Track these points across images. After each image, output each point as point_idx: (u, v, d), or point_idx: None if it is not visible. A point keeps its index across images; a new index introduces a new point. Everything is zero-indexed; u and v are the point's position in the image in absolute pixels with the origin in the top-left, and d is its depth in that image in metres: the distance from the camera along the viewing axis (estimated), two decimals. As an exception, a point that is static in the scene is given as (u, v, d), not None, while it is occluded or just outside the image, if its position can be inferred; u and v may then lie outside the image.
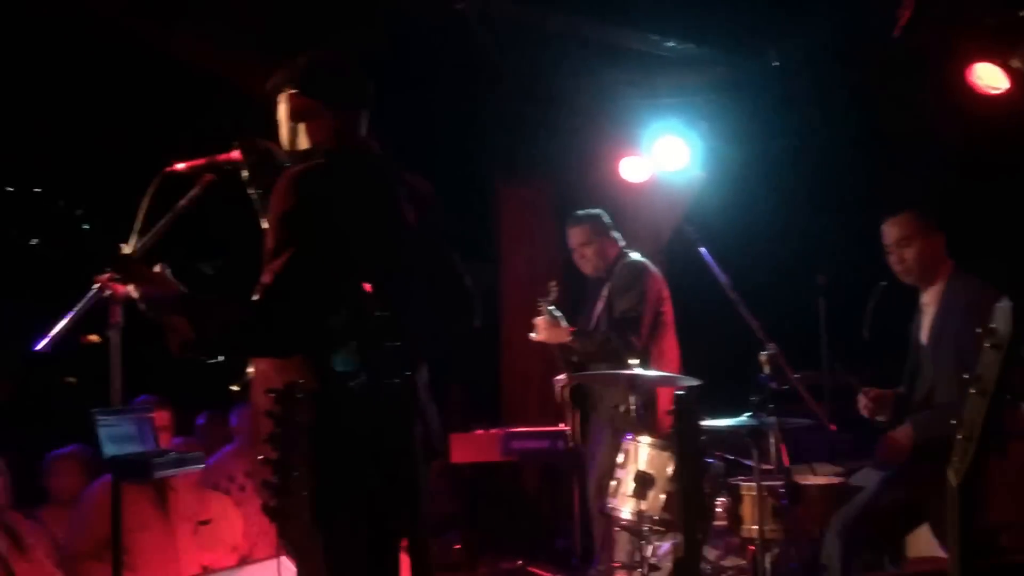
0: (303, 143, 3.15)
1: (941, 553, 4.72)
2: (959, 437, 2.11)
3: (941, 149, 6.28)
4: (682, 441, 2.18)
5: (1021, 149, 5.76)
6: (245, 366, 3.13)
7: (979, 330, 2.15)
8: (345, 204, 2.95)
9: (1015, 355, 1.98)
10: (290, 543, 2.51)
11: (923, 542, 4.99)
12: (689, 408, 2.19)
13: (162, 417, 5.29)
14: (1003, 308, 2.03)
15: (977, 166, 6.09)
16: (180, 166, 3.38)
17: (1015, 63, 5.10)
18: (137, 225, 3.30)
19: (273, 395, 2.46)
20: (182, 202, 3.40)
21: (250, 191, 3.24)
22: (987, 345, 2.05)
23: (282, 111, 3.21)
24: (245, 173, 3.24)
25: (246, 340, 2.91)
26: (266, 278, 2.82)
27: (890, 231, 4.51)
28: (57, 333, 3.31)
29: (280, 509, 2.43)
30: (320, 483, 2.49)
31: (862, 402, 4.55)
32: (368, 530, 2.95)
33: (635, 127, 7.10)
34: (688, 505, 2.20)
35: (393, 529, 2.94)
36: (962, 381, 4.13)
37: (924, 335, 4.52)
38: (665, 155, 6.95)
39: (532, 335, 5.68)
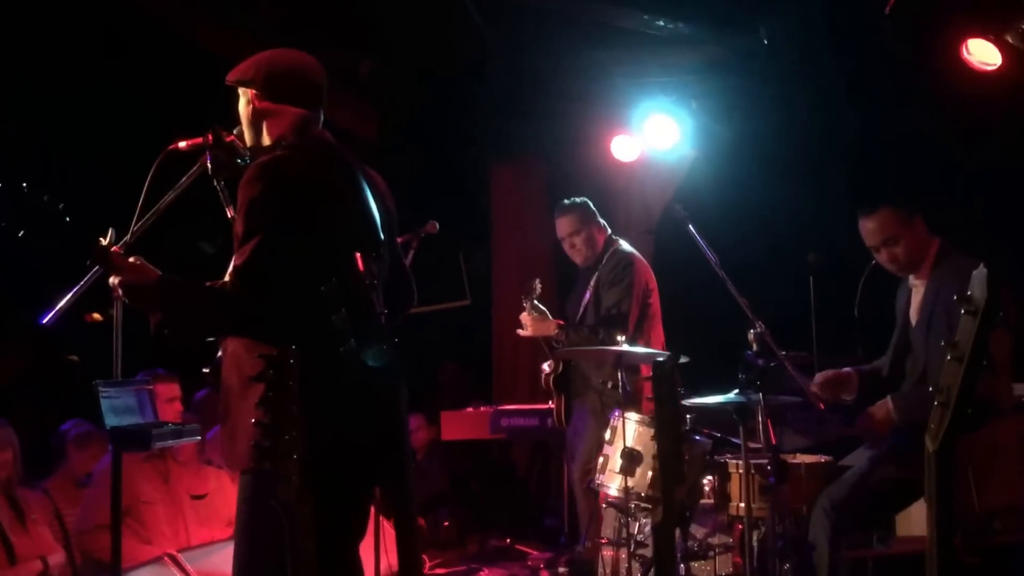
0: (265, 139, 3.22)
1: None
2: (936, 403, 2.02)
3: (933, 127, 6.17)
4: (660, 407, 2.08)
5: (1014, 126, 5.65)
6: (216, 348, 3.17)
7: (956, 297, 2.06)
8: (314, 187, 3.04)
9: (991, 322, 1.90)
10: (281, 506, 2.48)
11: (914, 521, 4.90)
12: (667, 374, 2.08)
13: (171, 390, 5.43)
14: (979, 275, 1.96)
15: (971, 145, 5.97)
16: (182, 144, 3.40)
17: (1010, 38, 4.96)
18: (140, 202, 3.36)
19: (265, 360, 2.48)
20: (184, 179, 3.45)
21: (215, 182, 3.33)
22: (963, 312, 1.96)
23: (243, 106, 3.27)
24: (210, 165, 3.32)
25: (220, 322, 3.00)
26: (237, 261, 2.91)
27: (870, 230, 4.35)
28: (61, 307, 3.43)
29: (271, 472, 2.45)
30: (311, 447, 2.50)
31: (812, 392, 4.44)
32: (356, 493, 3.07)
33: (625, 106, 7.04)
34: (666, 472, 2.09)
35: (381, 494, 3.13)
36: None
37: (914, 314, 4.40)
38: (655, 134, 6.89)
39: (519, 331, 5.64)
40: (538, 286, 5.62)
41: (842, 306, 5.10)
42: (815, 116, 6.53)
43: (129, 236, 3.34)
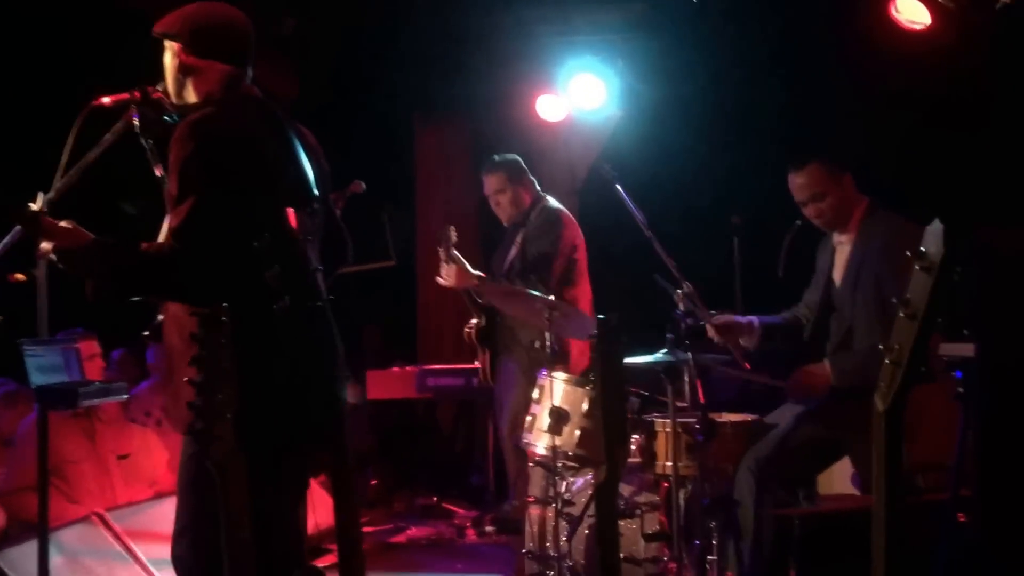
0: (191, 96, 3.13)
1: (853, 491, 4.69)
2: (886, 362, 1.97)
3: (861, 87, 6.15)
4: (604, 364, 2.00)
5: (944, 87, 5.65)
6: (156, 310, 3.11)
7: (908, 253, 1.99)
8: (246, 144, 2.97)
9: (947, 278, 1.84)
10: (214, 466, 2.41)
11: (835, 480, 4.93)
12: (611, 331, 2.00)
13: (90, 347, 5.29)
14: (934, 231, 1.90)
15: (899, 104, 5.97)
16: (106, 100, 3.27)
17: (939, -3, 4.93)
18: (63, 160, 3.24)
19: (198, 318, 2.40)
20: (107, 136, 3.33)
21: (142, 140, 3.23)
22: (917, 268, 1.90)
23: (169, 60, 3.16)
24: (136, 122, 3.21)
25: (157, 283, 2.92)
26: (172, 222, 2.85)
27: (799, 185, 4.33)
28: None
29: (205, 431, 2.39)
30: (244, 405, 2.44)
31: (709, 331, 4.44)
32: (291, 452, 2.98)
33: (551, 66, 6.94)
34: (609, 430, 2.02)
35: (314, 452, 3.05)
36: (883, 323, 4.10)
37: (838, 273, 4.38)
38: (581, 94, 6.79)
39: (439, 280, 5.52)
40: (453, 234, 5.48)
41: (766, 267, 5.08)
42: (741, 77, 6.49)
43: (53, 194, 3.21)
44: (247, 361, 2.45)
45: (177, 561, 2.98)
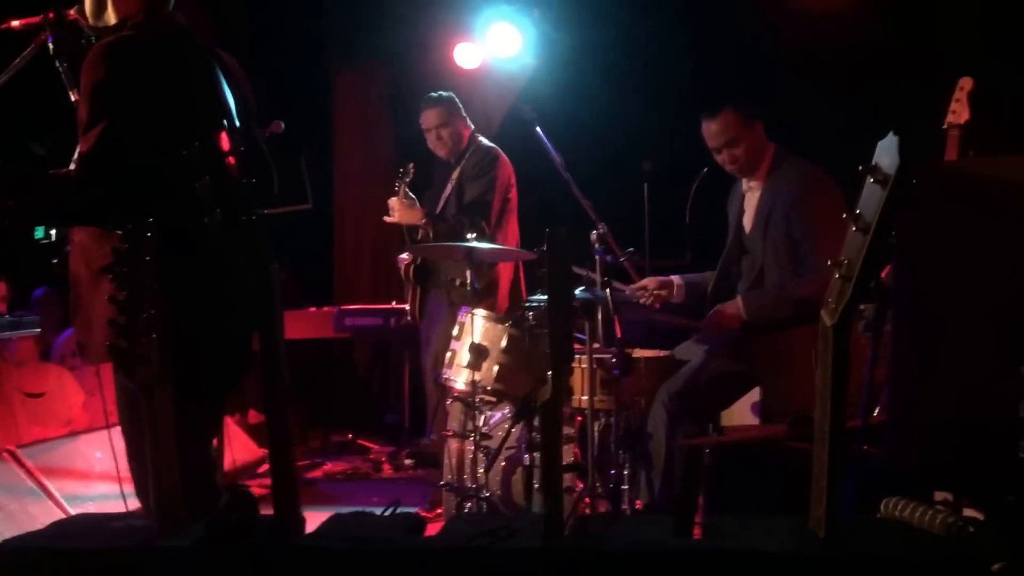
0: (110, 17, 2.95)
1: (754, 421, 4.74)
2: (836, 276, 1.94)
3: (766, 36, 6.17)
4: (553, 281, 1.94)
5: (843, 36, 5.68)
6: (64, 241, 3.00)
7: (860, 168, 1.95)
8: (163, 69, 2.83)
9: (902, 191, 1.81)
10: (139, 388, 2.25)
11: (735, 413, 4.98)
12: (559, 245, 1.94)
13: None
14: (888, 144, 1.87)
15: (802, 53, 5.99)
16: (15, 23, 3.14)
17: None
18: None
19: (121, 232, 2.23)
20: (17, 61, 3.17)
21: (57, 64, 3.09)
22: (871, 181, 1.87)
23: None
24: (51, 46, 3.07)
25: (70, 210, 2.79)
26: (82, 148, 2.72)
27: (713, 132, 4.32)
28: None
29: (127, 351, 2.22)
30: (172, 324, 2.29)
31: (631, 293, 4.45)
32: (220, 376, 2.91)
33: (468, 14, 6.83)
34: (556, 347, 1.96)
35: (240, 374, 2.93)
36: (792, 263, 4.14)
37: (748, 219, 4.40)
38: (498, 42, 6.68)
39: (386, 217, 5.43)
40: (412, 169, 5.41)
41: (673, 212, 5.09)
42: (653, 26, 6.46)
43: None
44: (175, 277, 2.32)
45: (140, 489, 2.86)
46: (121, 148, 2.69)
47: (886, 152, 1.85)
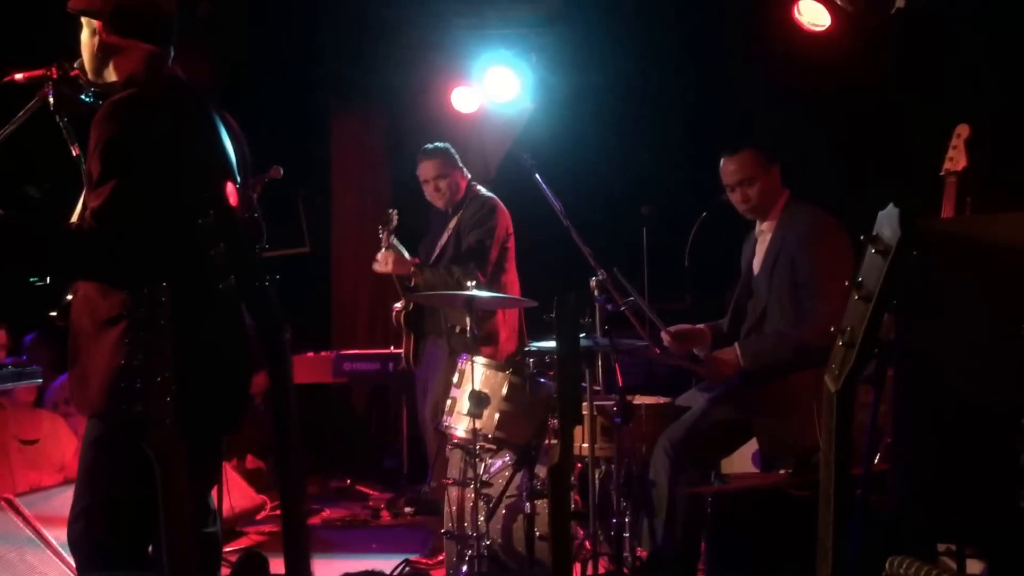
0: (111, 75, 2.98)
1: (754, 469, 4.75)
2: (838, 344, 1.96)
3: (766, 84, 6.23)
4: (561, 344, 1.95)
5: (843, 86, 5.74)
6: (65, 291, 2.96)
7: (862, 237, 1.97)
8: (173, 126, 2.83)
9: (903, 260, 1.83)
10: (152, 450, 2.26)
11: (736, 461, 4.99)
12: (568, 309, 1.96)
13: None
14: (889, 214, 1.89)
15: (803, 103, 6.05)
16: (18, 76, 3.13)
17: (838, 1, 5.02)
18: None
19: (136, 299, 2.25)
20: (20, 114, 3.18)
21: (57, 118, 3.09)
22: (872, 251, 1.89)
23: (87, 37, 3.00)
24: (52, 99, 3.07)
25: (75, 263, 2.77)
26: (93, 203, 2.70)
27: (731, 171, 4.35)
28: None
29: (143, 414, 2.23)
30: (185, 388, 2.29)
31: (665, 339, 4.44)
32: (223, 434, 2.93)
33: (466, 58, 6.89)
34: (565, 411, 1.98)
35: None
36: (794, 307, 4.16)
37: (758, 262, 4.43)
38: (495, 86, 6.74)
39: (375, 267, 5.45)
40: (395, 216, 5.43)
41: (673, 256, 5.12)
42: (651, 72, 6.52)
43: None
44: (188, 342, 2.34)
45: (73, 545, 2.85)
46: (133, 204, 2.69)
47: (887, 222, 1.87)
